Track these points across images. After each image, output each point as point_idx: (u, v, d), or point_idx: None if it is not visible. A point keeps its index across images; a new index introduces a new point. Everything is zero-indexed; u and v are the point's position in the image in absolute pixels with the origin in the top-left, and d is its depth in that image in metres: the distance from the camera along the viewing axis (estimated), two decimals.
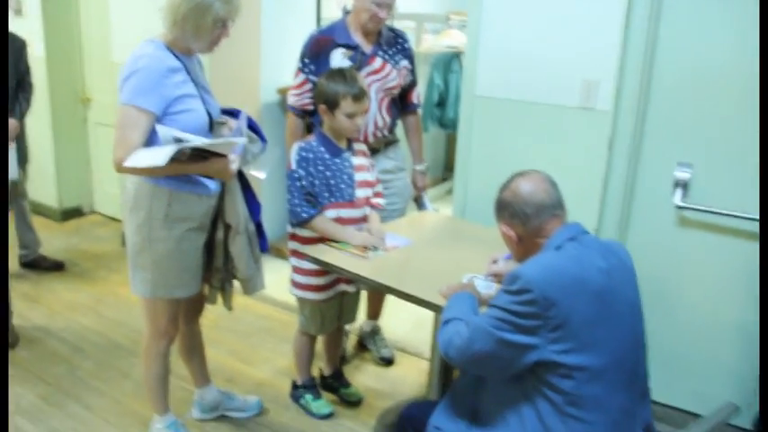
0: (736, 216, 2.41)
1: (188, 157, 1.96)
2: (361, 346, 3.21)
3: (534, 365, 1.52)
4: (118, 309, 3.53)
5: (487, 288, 2.00)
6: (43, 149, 4.58)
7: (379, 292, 3.09)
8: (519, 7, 2.64)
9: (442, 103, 5.34)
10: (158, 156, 1.84)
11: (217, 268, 2.28)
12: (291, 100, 2.79)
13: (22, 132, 3.53)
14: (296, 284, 2.52)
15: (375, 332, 3.18)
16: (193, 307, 2.40)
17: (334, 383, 2.78)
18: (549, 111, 2.66)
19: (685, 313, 2.56)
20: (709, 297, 2.53)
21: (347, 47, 2.69)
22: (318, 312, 2.52)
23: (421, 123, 3.13)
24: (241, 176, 2.26)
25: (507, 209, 1.71)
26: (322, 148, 2.39)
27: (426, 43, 5.39)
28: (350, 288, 2.54)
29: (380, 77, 2.70)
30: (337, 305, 2.57)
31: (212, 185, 2.16)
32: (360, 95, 2.33)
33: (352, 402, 2.75)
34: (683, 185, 2.50)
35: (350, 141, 2.49)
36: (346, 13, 2.79)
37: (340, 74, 2.36)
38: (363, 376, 2.98)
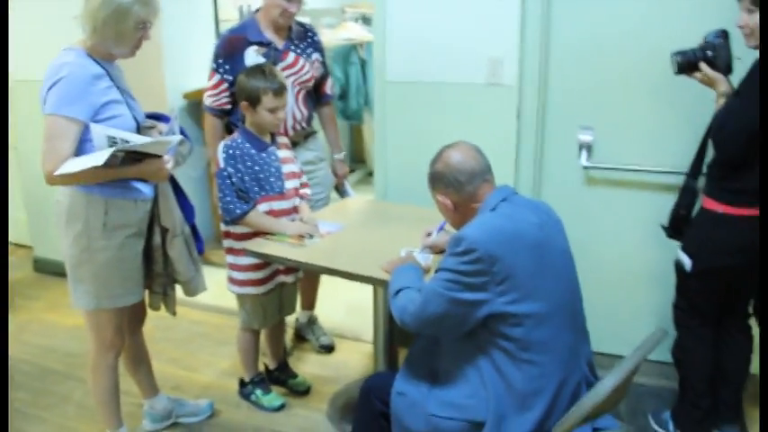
0: (636, 170, 2.66)
1: (121, 161, 1.94)
2: (299, 337, 3.26)
3: (486, 319, 1.64)
4: (44, 335, 3.41)
5: (425, 259, 2.11)
6: None
7: (312, 283, 3.16)
8: None
9: (343, 96, 5.43)
10: (96, 157, 1.83)
11: (157, 273, 2.27)
12: (208, 101, 2.80)
13: None
14: (234, 281, 2.54)
15: (312, 322, 3.24)
16: (135, 316, 2.38)
17: (281, 376, 2.82)
18: (459, 89, 2.80)
19: (601, 264, 2.78)
20: (621, 247, 2.77)
21: (260, 44, 2.72)
22: (260, 306, 2.56)
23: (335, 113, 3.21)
24: (172, 179, 2.27)
25: (441, 180, 1.82)
26: (247, 144, 2.43)
27: (324, 38, 5.43)
28: (288, 279, 2.59)
29: (295, 71, 2.76)
30: (277, 297, 2.61)
31: (147, 190, 2.15)
32: (280, 90, 2.38)
33: (302, 392, 2.80)
34: (588, 147, 2.71)
35: (273, 135, 2.53)
36: (255, 10, 2.82)
37: (259, 70, 2.40)
38: (307, 366, 3.03)
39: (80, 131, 1.96)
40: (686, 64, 2.15)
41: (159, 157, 2.04)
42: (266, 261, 2.42)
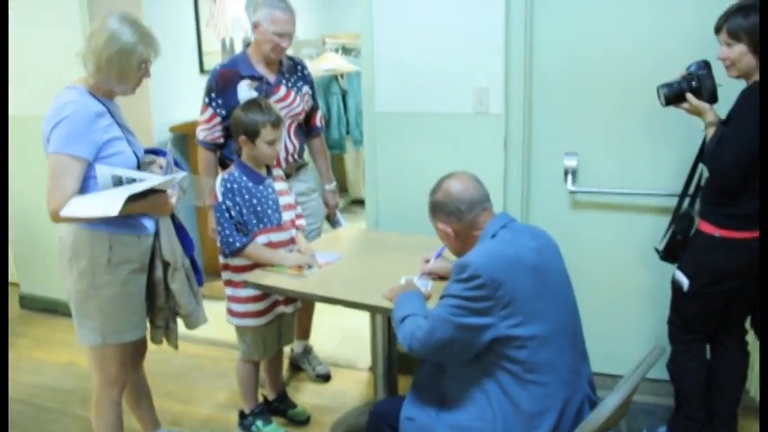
0: (620, 193, 2.75)
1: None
2: (295, 367, 3.28)
3: (491, 342, 1.69)
4: (35, 373, 3.38)
5: (425, 286, 2.17)
6: None
7: (307, 312, 3.19)
8: (408, 26, 2.84)
9: (325, 126, 5.49)
10: (109, 206, 1.85)
11: (160, 307, 2.30)
12: (201, 135, 2.84)
13: None
14: (234, 314, 2.56)
15: (308, 351, 3.26)
16: (137, 351, 2.39)
17: (281, 406, 2.84)
18: (446, 119, 2.88)
19: (590, 285, 2.84)
20: (609, 268, 2.85)
21: (252, 78, 2.78)
22: (260, 337, 2.59)
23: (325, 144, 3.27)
24: (171, 213, 2.30)
25: (443, 209, 1.89)
26: (245, 178, 2.47)
27: None
28: (288, 309, 2.62)
29: (287, 105, 2.82)
30: (277, 328, 2.64)
31: (149, 225, 2.19)
32: (277, 122, 2.44)
33: (302, 421, 2.82)
34: (573, 172, 2.80)
35: (269, 168, 2.58)
36: (246, 45, 2.89)
37: (256, 104, 2.46)
38: (304, 395, 3.05)
39: (84, 169, 1.99)
40: (673, 96, 2.24)
41: (163, 191, 2.08)
42: (267, 293, 2.45)
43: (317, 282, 2.32)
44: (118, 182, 1.99)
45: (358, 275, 2.38)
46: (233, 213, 2.42)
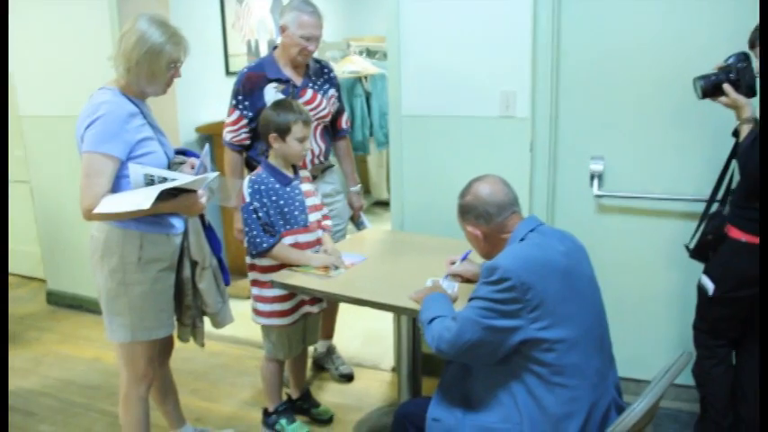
0: (647, 198, 2.73)
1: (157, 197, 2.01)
2: (318, 366, 3.30)
3: (519, 345, 1.70)
4: (61, 367, 3.44)
5: (451, 288, 2.18)
6: None
7: (330, 312, 3.21)
8: (434, 30, 2.86)
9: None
10: (142, 200, 1.89)
11: (187, 306, 2.33)
12: (228, 137, 2.88)
13: None
14: (260, 313, 2.59)
15: (331, 351, 3.28)
16: (165, 348, 2.42)
17: (304, 405, 2.86)
18: (473, 122, 2.89)
19: (615, 289, 2.82)
20: (635, 273, 2.83)
21: (279, 81, 2.81)
22: (285, 337, 2.61)
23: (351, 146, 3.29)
24: (200, 215, 2.33)
25: (472, 212, 1.90)
26: (272, 179, 2.50)
27: None
28: (314, 309, 2.64)
29: (313, 107, 2.84)
30: (302, 327, 2.66)
31: (179, 224, 2.22)
32: (308, 120, 2.48)
33: (325, 420, 2.84)
34: (599, 176, 2.79)
35: (296, 169, 2.60)
36: (273, 48, 2.91)
37: (286, 103, 2.50)
38: (328, 395, 3.07)
39: (116, 168, 2.03)
40: (711, 87, 2.18)
41: (194, 191, 2.11)
42: (293, 292, 2.48)
43: (344, 282, 2.33)
44: (149, 181, 2.02)
45: (384, 276, 2.39)
46: (260, 214, 2.44)
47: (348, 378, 3.20)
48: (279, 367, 2.71)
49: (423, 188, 3.02)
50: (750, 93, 2.14)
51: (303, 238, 2.54)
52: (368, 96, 5.59)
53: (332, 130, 3.07)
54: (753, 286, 2.16)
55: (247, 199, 2.46)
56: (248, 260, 2.57)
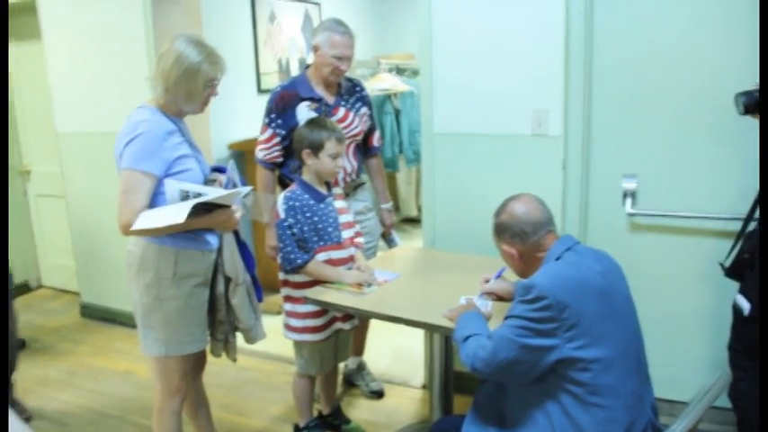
0: (681, 216, 2.71)
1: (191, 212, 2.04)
2: (348, 383, 3.31)
3: (555, 364, 1.69)
4: (95, 379, 3.48)
5: (485, 306, 2.17)
6: None
7: (361, 329, 3.21)
8: (467, 47, 2.87)
9: None
10: (176, 214, 1.92)
11: (220, 321, 2.35)
12: (261, 155, 2.91)
13: None
14: (292, 329, 2.60)
15: (361, 368, 3.29)
16: (198, 363, 2.45)
17: (335, 421, 2.86)
18: (505, 140, 2.89)
19: (648, 309, 2.78)
20: (669, 292, 2.80)
21: (311, 100, 2.85)
22: (318, 353, 2.62)
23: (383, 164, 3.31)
24: (234, 231, 2.36)
25: (507, 230, 1.90)
26: (306, 196, 2.52)
27: None
28: (346, 326, 2.65)
29: (346, 125, 2.87)
30: (334, 344, 2.67)
31: (213, 241, 2.25)
32: (341, 137, 2.51)
33: None
34: (632, 194, 2.77)
35: (329, 186, 2.63)
36: (306, 67, 2.95)
37: (320, 120, 2.54)
38: (358, 411, 3.07)
39: (154, 185, 2.07)
40: (753, 104, 2.15)
41: (228, 207, 2.14)
42: (326, 309, 2.49)
43: (377, 299, 2.34)
44: (185, 196, 2.06)
45: (417, 294, 2.40)
46: (295, 230, 2.46)
47: (378, 394, 3.19)
48: (310, 383, 2.72)
49: (454, 206, 3.02)
50: None
51: (336, 254, 2.55)
52: (397, 113, 5.62)
53: (364, 148, 3.09)
54: None
55: (282, 215, 2.49)
56: (281, 276, 2.59)
